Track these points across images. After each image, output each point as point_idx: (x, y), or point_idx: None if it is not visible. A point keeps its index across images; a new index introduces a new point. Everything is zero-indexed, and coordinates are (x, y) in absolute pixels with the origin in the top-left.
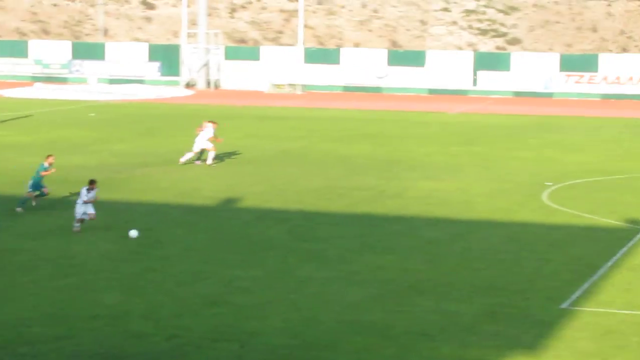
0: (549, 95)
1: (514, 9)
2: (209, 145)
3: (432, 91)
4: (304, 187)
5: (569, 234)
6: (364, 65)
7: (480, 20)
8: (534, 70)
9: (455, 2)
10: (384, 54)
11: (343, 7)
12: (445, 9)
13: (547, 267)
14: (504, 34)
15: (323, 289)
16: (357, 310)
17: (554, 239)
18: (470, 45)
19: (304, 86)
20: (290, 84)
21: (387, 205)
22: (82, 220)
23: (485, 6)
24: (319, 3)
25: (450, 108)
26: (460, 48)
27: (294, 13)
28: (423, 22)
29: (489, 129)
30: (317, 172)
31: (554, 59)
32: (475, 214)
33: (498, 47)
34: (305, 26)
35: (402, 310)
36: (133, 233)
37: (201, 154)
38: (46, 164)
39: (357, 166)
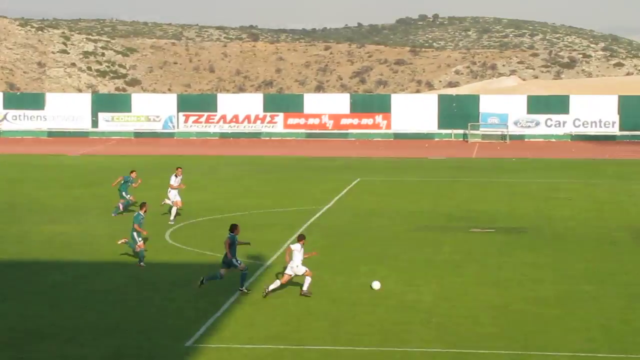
0: (170, 135)
1: (132, 50)
2: (177, 198)
3: (52, 133)
4: None
5: (192, 272)
6: None
7: (99, 62)
8: (154, 111)
9: (73, 45)
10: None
11: None
12: (64, 51)
13: (172, 305)
14: (123, 75)
15: None
16: None
17: (178, 277)
18: (90, 87)
19: None
20: None
21: (7, 251)
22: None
23: (103, 48)
24: None
25: (70, 150)
26: (80, 90)
27: None
28: (41, 65)
29: (111, 171)
30: None
31: (173, 99)
32: (99, 256)
33: (118, 89)
34: None
35: (24, 358)
36: (376, 285)
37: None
38: None
39: None
